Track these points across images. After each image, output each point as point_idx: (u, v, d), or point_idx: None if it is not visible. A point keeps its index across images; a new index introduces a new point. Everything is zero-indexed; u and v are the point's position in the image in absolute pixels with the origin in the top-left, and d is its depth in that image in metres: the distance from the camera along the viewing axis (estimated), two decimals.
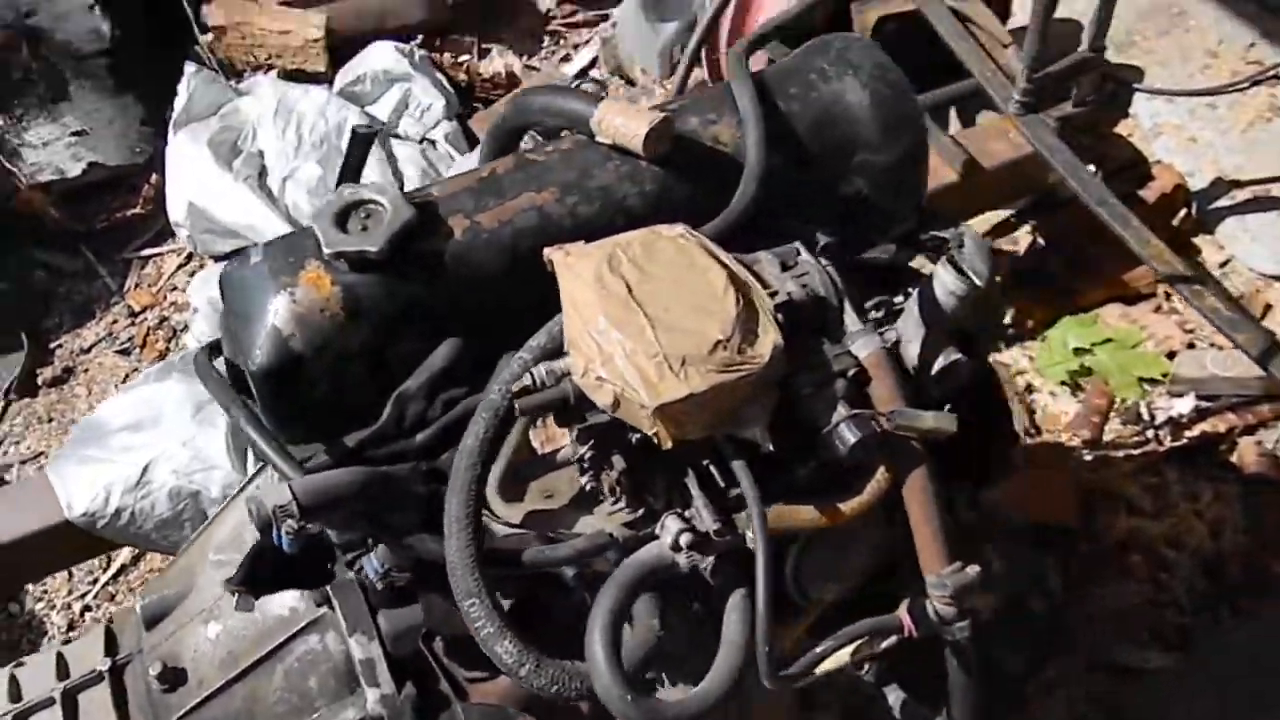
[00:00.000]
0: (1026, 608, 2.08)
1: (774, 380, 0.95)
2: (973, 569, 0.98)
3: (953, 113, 2.60)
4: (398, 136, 2.81)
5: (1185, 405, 2.30)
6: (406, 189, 1.11)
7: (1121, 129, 2.78)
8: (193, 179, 2.67)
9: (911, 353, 1.20)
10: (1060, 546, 2.14)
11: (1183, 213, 2.57)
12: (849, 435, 0.94)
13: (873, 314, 1.20)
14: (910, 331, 1.21)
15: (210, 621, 1.42)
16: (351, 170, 1.18)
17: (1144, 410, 2.32)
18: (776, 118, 1.15)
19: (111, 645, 1.47)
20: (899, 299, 1.21)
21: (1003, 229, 2.62)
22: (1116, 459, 2.27)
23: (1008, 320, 2.48)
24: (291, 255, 1.07)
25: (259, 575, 1.08)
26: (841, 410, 0.95)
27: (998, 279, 1.25)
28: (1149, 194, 2.57)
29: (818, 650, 0.99)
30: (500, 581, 0.98)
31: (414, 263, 1.06)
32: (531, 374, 0.94)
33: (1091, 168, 2.65)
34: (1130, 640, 2.05)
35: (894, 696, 1.15)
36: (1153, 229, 2.50)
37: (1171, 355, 2.39)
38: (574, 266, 0.97)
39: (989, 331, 1.29)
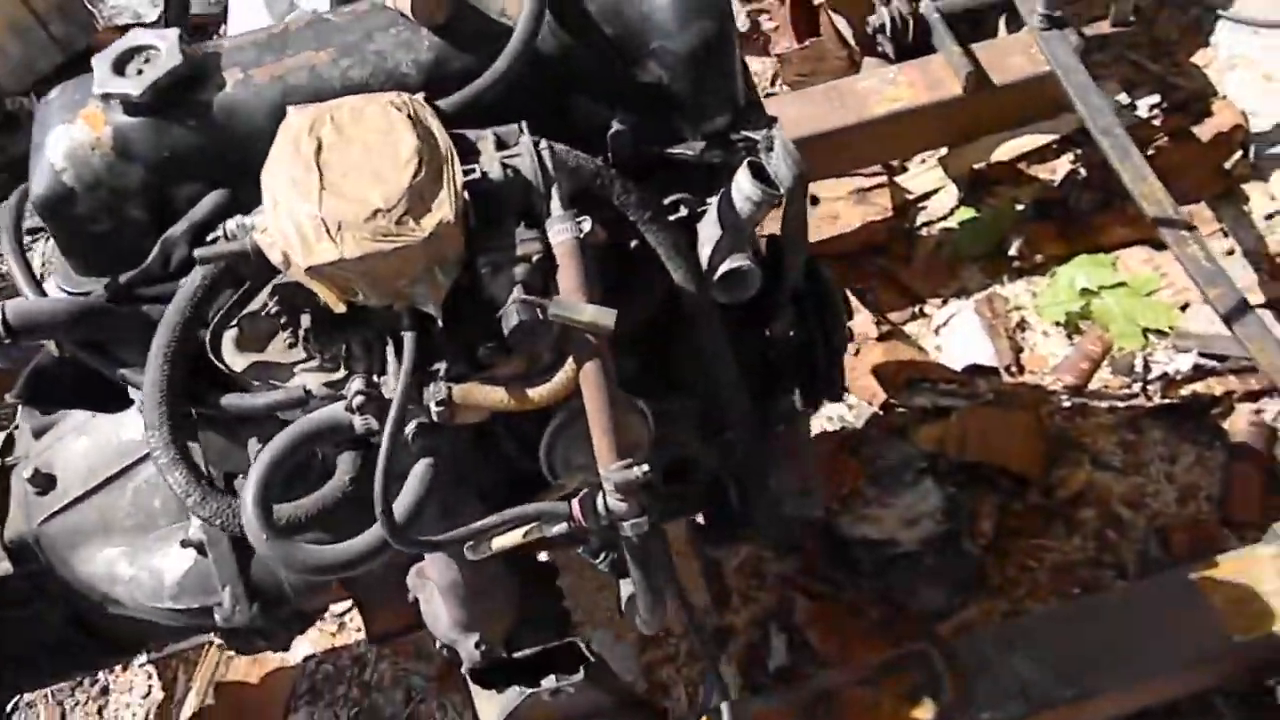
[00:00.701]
0: (958, 546, 2.01)
1: (450, 256, 0.95)
2: (639, 469, 0.97)
3: (1001, 23, 2.44)
4: None
5: (1185, 362, 2.15)
6: None
7: (1199, 59, 2.55)
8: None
9: (704, 255, 1.19)
10: (1008, 491, 2.06)
11: (1238, 155, 2.36)
12: (512, 318, 0.93)
13: (675, 212, 1.19)
14: (707, 233, 1.18)
15: (81, 436, 1.55)
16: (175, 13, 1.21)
17: (1139, 362, 2.18)
18: None
19: (8, 448, 1.62)
20: (712, 200, 1.19)
21: (1043, 154, 2.46)
22: (1097, 409, 2.15)
23: (1014, 251, 2.36)
24: (79, 94, 1.12)
25: (39, 391, 1.17)
26: (516, 293, 0.94)
27: (806, 190, 1.18)
28: (1203, 131, 2.37)
29: (478, 525, 1.00)
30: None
31: (182, 111, 1.10)
32: (225, 226, 0.97)
33: (1154, 98, 2.46)
34: (1061, 595, 1.97)
35: (625, 589, 1.16)
36: (1201, 169, 2.33)
37: (1186, 308, 2.22)
38: (288, 125, 0.99)
39: (798, 244, 1.22)
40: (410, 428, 0.99)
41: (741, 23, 2.83)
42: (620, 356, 1.24)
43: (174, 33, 1.11)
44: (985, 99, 2.12)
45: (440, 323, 0.96)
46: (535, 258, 0.95)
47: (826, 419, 2.23)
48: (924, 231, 2.43)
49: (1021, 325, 2.29)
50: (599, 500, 0.98)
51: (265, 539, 0.94)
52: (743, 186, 1.12)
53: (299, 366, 1.04)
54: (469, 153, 1.00)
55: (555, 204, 0.97)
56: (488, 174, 0.96)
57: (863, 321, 2.28)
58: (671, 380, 1.29)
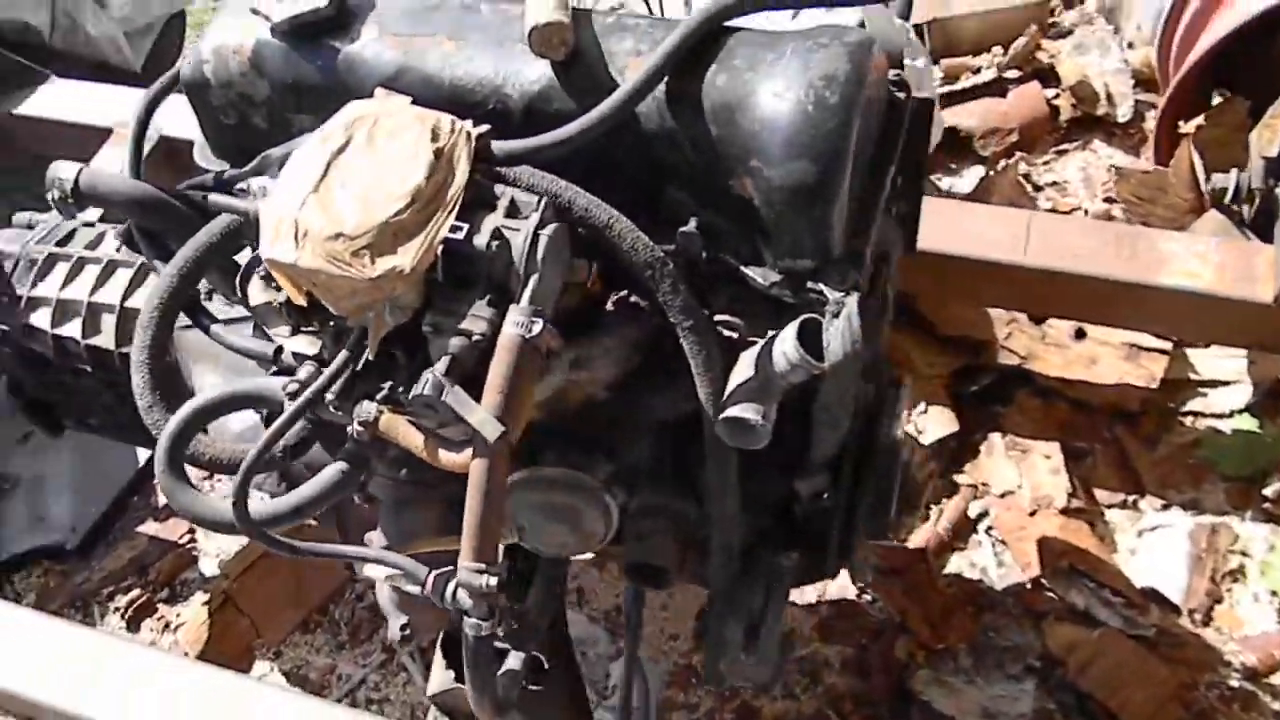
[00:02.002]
0: None
1: (402, 300, 0.93)
2: (489, 579, 0.93)
3: None
4: None
5: None
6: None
7: None
8: None
9: (729, 388, 1.09)
10: None
11: None
12: (418, 386, 0.90)
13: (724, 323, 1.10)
14: (742, 367, 1.09)
15: None
16: None
17: None
18: (691, 78, 1.03)
19: None
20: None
21: None
22: (1264, 706, 1.81)
23: (1274, 492, 1.99)
24: (250, 5, 1.18)
25: None
26: (440, 365, 0.91)
27: (854, 370, 1.03)
28: None
29: (313, 546, 1.01)
30: None
31: (313, 48, 1.13)
32: (250, 184, 1.01)
33: None
34: None
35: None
36: None
37: None
38: (341, 113, 1.00)
39: (833, 423, 1.08)
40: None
41: (1126, 111, 2.52)
42: (639, 439, 1.20)
43: None
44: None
45: (372, 355, 0.95)
46: (476, 337, 0.91)
47: (970, 564, 2.03)
48: (1186, 420, 2.11)
49: (1236, 574, 1.95)
50: (448, 586, 0.96)
51: (163, 471, 1.00)
52: (786, 343, 1.02)
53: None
54: (484, 204, 0.96)
55: (525, 294, 0.93)
56: (473, 238, 0.92)
57: (1057, 484, 2.03)
58: (679, 479, 1.22)
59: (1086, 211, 2.39)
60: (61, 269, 1.70)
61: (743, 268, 1.09)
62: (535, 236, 0.93)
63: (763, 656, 1.21)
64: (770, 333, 1.06)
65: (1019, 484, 2.04)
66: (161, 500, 2.34)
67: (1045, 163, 2.52)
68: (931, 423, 2.12)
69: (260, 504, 1.01)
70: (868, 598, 2.02)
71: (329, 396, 0.98)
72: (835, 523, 1.22)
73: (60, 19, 2.57)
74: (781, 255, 1.07)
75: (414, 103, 1.04)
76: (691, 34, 1.03)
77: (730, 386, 1.07)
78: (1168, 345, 2.09)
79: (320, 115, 1.12)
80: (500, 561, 0.96)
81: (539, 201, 0.96)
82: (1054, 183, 2.49)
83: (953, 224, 1.89)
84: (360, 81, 1.12)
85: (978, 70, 2.62)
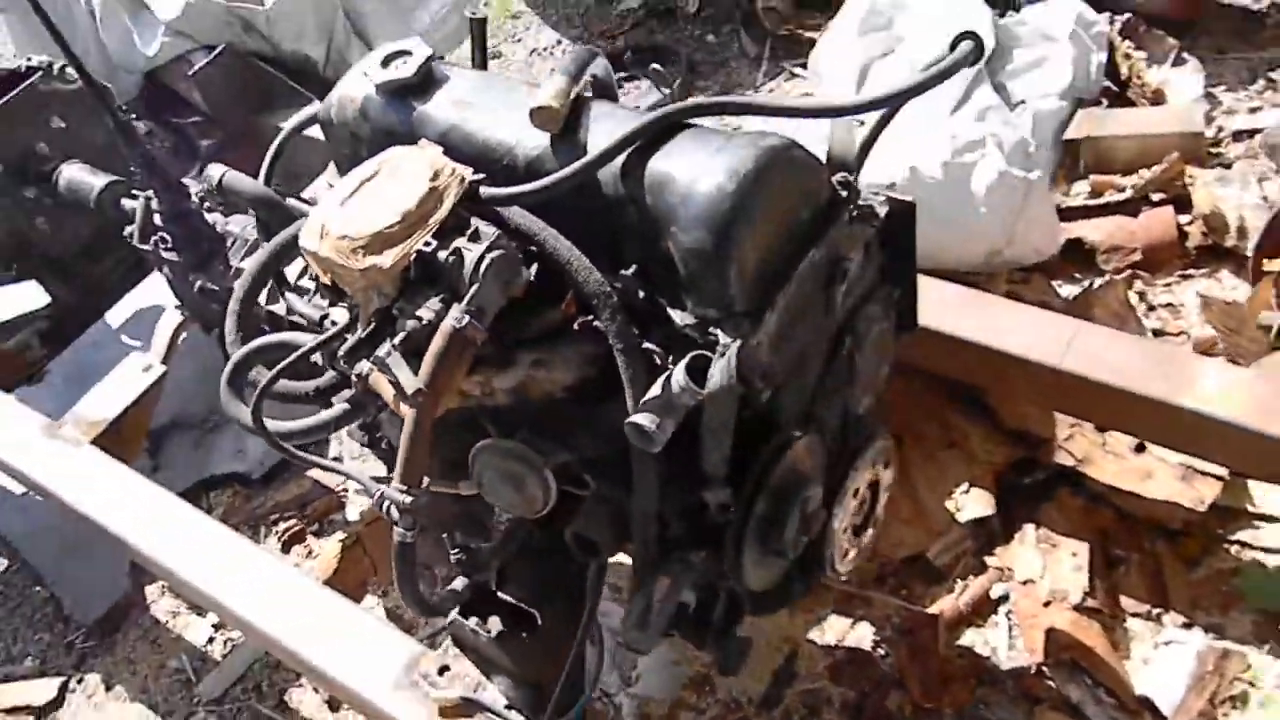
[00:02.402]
0: None
1: (384, 289, 1.29)
2: (407, 497, 1.26)
3: None
4: None
5: None
6: None
7: None
8: None
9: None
10: None
11: None
12: (379, 352, 1.26)
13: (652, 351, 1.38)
14: (655, 387, 1.38)
15: None
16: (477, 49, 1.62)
17: None
18: (641, 157, 1.33)
19: None
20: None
21: None
22: None
23: None
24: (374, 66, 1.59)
25: None
26: (397, 339, 1.27)
27: (729, 400, 1.26)
28: None
29: (304, 455, 1.38)
30: None
31: (400, 105, 1.52)
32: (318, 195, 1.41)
33: None
34: None
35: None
36: None
37: None
38: (387, 153, 1.38)
39: (713, 443, 1.32)
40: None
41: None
42: (592, 436, 1.51)
43: (425, 50, 1.53)
44: None
45: (362, 326, 1.32)
46: (425, 322, 1.26)
47: (984, 641, 2.17)
48: (1231, 549, 2.15)
49: (1237, 701, 1.98)
50: (385, 500, 1.30)
51: (225, 386, 1.42)
52: (678, 373, 1.31)
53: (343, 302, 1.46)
54: (459, 230, 1.31)
55: (467, 298, 1.26)
56: (438, 252, 1.27)
57: (1076, 580, 2.13)
58: (622, 475, 1.51)
59: (1188, 336, 2.46)
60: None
61: (669, 309, 1.38)
62: (482, 258, 1.27)
63: (651, 630, 1.48)
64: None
65: (1041, 574, 2.16)
66: (333, 451, 2.83)
67: (1166, 285, 2.59)
68: (971, 502, 2.27)
69: (281, 422, 1.40)
70: (881, 652, 2.20)
71: (340, 354, 1.35)
72: (726, 542, 1.46)
73: (333, 55, 3.17)
74: (696, 304, 1.36)
75: (451, 154, 1.41)
76: (645, 128, 1.34)
77: (642, 401, 1.36)
78: (1223, 472, 2.15)
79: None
80: (425, 487, 1.30)
81: (497, 235, 1.30)
82: (1169, 304, 2.55)
83: (1002, 322, 2.07)
84: (425, 132, 1.50)
85: (1122, 189, 2.72)
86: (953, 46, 1.41)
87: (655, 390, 1.33)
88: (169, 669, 2.59)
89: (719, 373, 1.30)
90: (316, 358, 1.41)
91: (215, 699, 2.51)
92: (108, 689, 2.59)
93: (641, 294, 1.38)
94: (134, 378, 2.45)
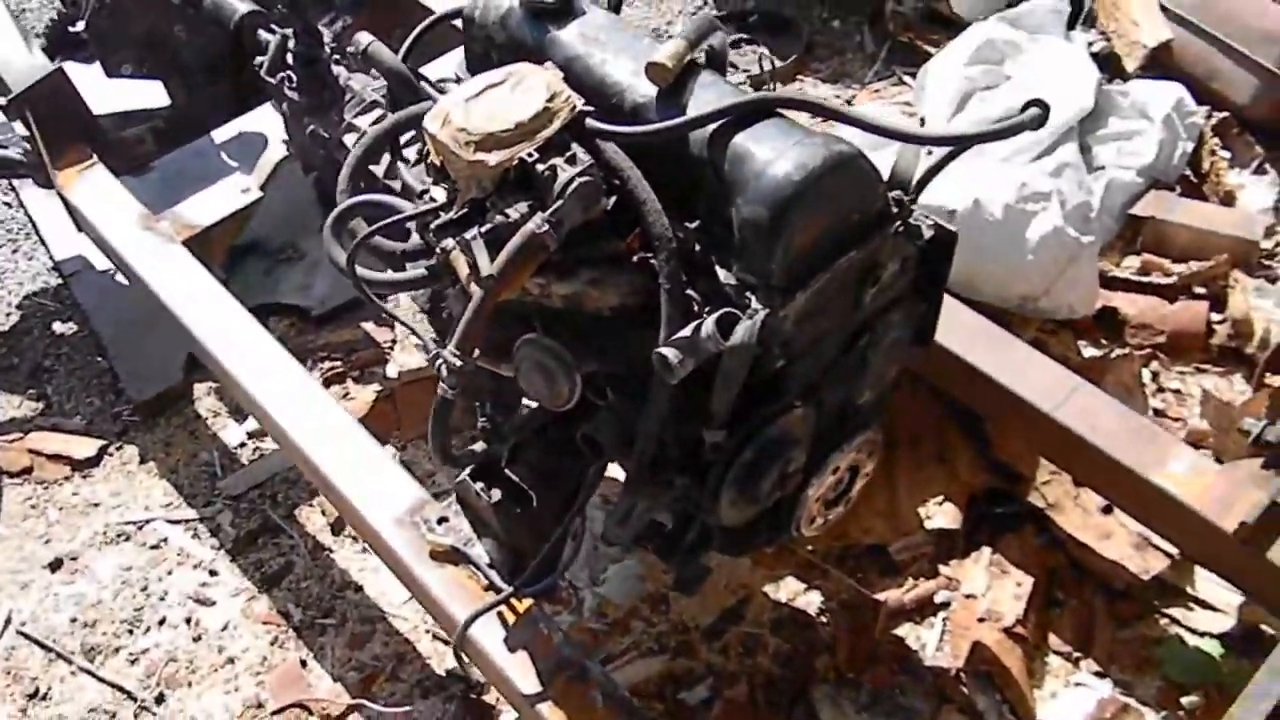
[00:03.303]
0: None
1: (484, 182, 1.49)
2: (458, 360, 1.48)
3: None
4: None
5: None
6: None
7: None
8: None
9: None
10: None
11: None
12: (467, 235, 1.47)
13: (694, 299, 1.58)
14: (685, 331, 1.57)
15: None
16: None
17: None
18: (729, 130, 1.52)
19: None
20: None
21: None
22: None
23: (1193, 704, 2.20)
24: None
25: None
26: (485, 228, 1.47)
27: (744, 361, 1.46)
28: None
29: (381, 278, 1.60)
30: None
31: (537, 24, 1.71)
32: (448, 85, 1.61)
33: None
34: None
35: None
36: None
37: None
38: (516, 66, 1.57)
39: (722, 390, 1.51)
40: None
41: None
42: (624, 356, 1.70)
43: None
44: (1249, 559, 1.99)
45: (455, 212, 1.52)
46: (511, 219, 1.46)
47: (916, 637, 2.37)
48: (1161, 620, 2.33)
49: None
50: (440, 359, 1.52)
51: (329, 228, 1.63)
52: (708, 323, 1.50)
53: None
54: (560, 149, 1.50)
55: (550, 209, 1.46)
56: (536, 164, 1.47)
57: (1013, 607, 2.32)
58: (640, 394, 1.71)
59: (1185, 423, 2.62)
60: (376, 113, 2.40)
61: (717, 266, 1.58)
62: (571, 180, 1.47)
63: (626, 530, 1.70)
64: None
65: (984, 593, 2.36)
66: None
67: (1180, 372, 2.74)
68: (941, 514, 2.46)
69: (369, 272, 1.62)
70: (823, 620, 2.41)
71: (431, 227, 1.56)
72: (710, 477, 1.67)
73: None
74: (741, 268, 1.56)
75: (570, 81, 1.61)
76: (741, 105, 1.53)
77: (673, 337, 1.56)
78: (1174, 550, 2.33)
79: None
80: (472, 361, 1.51)
81: (589, 163, 1.49)
82: (1177, 391, 2.71)
83: (1014, 361, 2.24)
84: (553, 56, 1.70)
85: (1169, 275, 2.87)
86: (1024, 108, 1.57)
87: (686, 332, 1.53)
88: (199, 460, 2.85)
89: (742, 331, 1.49)
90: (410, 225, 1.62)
91: (234, 496, 2.77)
92: (141, 462, 2.86)
93: (698, 247, 1.57)
94: (231, 195, 2.68)
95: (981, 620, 2.33)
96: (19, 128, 2.78)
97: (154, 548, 2.68)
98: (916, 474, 2.54)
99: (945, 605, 2.40)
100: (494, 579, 1.96)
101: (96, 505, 2.77)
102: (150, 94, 3.08)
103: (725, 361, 1.53)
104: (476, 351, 1.53)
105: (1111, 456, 2.11)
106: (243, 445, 2.86)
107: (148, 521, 2.73)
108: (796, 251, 1.52)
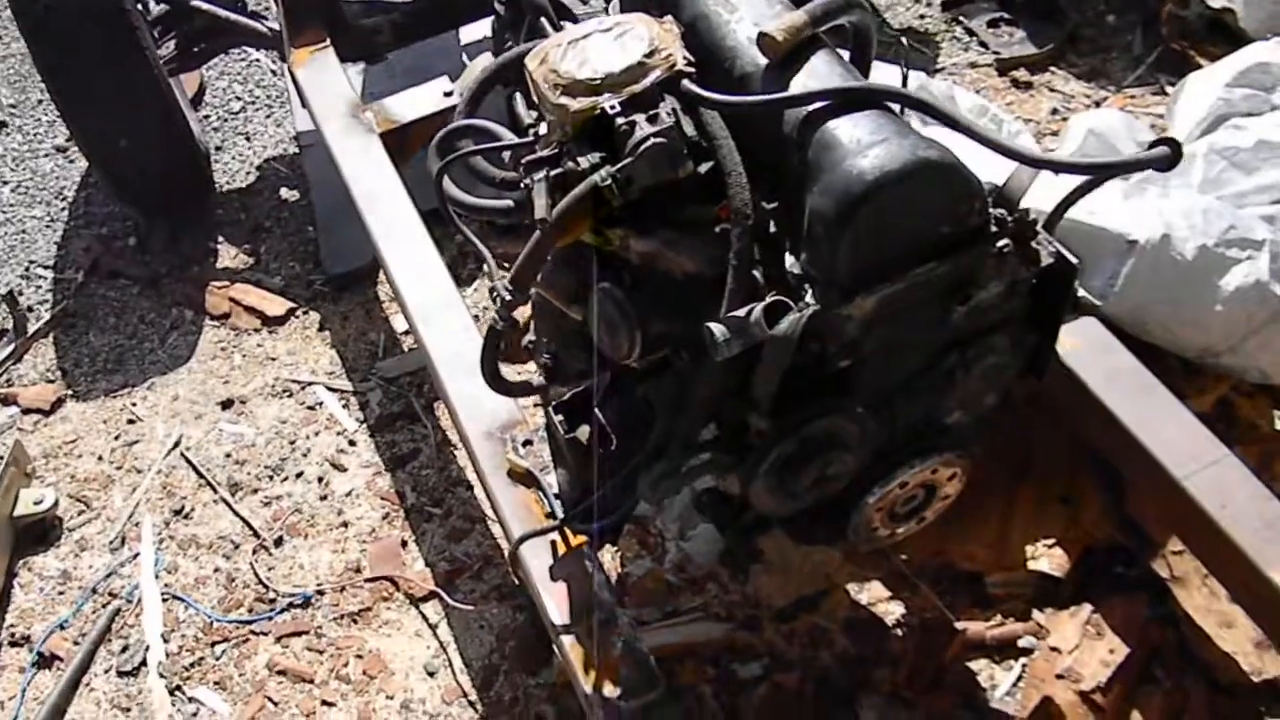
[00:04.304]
0: None
1: (566, 126, 1.51)
2: (508, 292, 1.52)
3: None
4: None
5: None
6: None
7: None
8: None
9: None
10: None
11: None
12: (535, 176, 1.50)
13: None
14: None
15: None
16: None
17: None
18: (822, 115, 1.46)
19: None
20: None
21: None
22: None
23: None
24: None
25: None
26: (553, 172, 1.50)
27: (786, 350, 1.39)
28: None
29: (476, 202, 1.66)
30: None
31: None
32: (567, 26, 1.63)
33: None
34: None
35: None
36: None
37: None
38: (631, 14, 1.57)
39: (763, 377, 1.46)
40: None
41: None
42: (689, 321, 1.69)
43: None
44: None
45: (543, 148, 1.55)
46: (582, 167, 1.48)
47: (989, 675, 2.26)
48: None
49: None
50: (496, 290, 1.57)
51: (433, 150, 1.70)
52: (758, 309, 1.48)
53: None
54: (647, 106, 1.50)
55: (619, 165, 1.46)
56: (616, 118, 1.47)
57: (1096, 672, 2.16)
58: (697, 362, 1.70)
59: None
60: None
61: (788, 253, 1.54)
62: (644, 140, 1.46)
63: (659, 491, 1.71)
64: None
65: (1071, 650, 2.21)
66: None
67: None
68: (1049, 558, 2.31)
69: (456, 190, 1.68)
70: (898, 632, 2.33)
71: (522, 161, 1.60)
72: (748, 459, 1.64)
73: None
74: (806, 259, 1.51)
75: (690, 39, 1.59)
76: (842, 91, 1.47)
77: (726, 315, 1.54)
78: None
79: (648, 12, 1.70)
80: (525, 296, 1.56)
81: (670, 125, 1.48)
82: None
83: (1156, 415, 2.05)
84: (679, 12, 1.68)
85: None
86: (1151, 145, 1.42)
87: (739, 311, 1.51)
88: (367, 338, 3.07)
89: (786, 324, 1.45)
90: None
91: (387, 378, 2.96)
92: (319, 329, 3.11)
93: (773, 228, 1.54)
94: (435, 98, 2.81)
95: (1060, 677, 2.18)
96: (273, 3, 3.02)
97: (309, 408, 2.92)
98: (1036, 511, 2.38)
99: (1028, 652, 2.26)
100: (555, 508, 2.02)
101: (273, 359, 3.04)
102: None
103: (767, 351, 1.50)
104: (532, 289, 1.57)
105: (1232, 540, 1.91)
106: (406, 334, 3.04)
107: (310, 384, 2.97)
108: (863, 253, 1.45)
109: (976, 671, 2.27)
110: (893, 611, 2.36)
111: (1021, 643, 2.27)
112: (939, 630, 2.30)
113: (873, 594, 2.39)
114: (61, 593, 2.62)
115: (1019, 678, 2.24)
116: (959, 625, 2.30)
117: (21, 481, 2.74)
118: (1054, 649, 2.23)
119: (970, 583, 2.36)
